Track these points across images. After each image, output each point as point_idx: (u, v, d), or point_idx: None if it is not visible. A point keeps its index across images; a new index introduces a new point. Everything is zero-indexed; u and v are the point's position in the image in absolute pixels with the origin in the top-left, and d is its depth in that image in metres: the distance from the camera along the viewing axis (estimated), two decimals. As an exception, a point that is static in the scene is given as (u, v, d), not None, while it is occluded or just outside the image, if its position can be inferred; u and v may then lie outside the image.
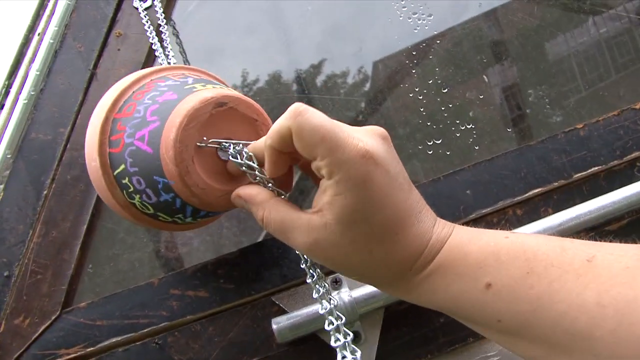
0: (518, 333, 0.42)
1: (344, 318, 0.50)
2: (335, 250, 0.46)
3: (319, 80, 0.86)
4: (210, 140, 0.54)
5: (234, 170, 0.55)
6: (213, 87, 0.58)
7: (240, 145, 0.54)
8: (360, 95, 0.85)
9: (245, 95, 0.65)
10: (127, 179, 0.57)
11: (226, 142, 0.55)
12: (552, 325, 0.39)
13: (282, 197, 0.51)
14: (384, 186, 0.44)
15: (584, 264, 0.40)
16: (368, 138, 0.45)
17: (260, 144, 0.51)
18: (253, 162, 0.52)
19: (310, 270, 0.52)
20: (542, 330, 0.40)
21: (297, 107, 0.45)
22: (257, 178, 0.52)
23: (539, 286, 0.40)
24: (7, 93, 0.84)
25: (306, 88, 0.85)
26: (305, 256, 0.51)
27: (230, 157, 0.54)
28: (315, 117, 0.44)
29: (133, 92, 0.59)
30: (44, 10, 0.88)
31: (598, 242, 0.43)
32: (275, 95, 0.84)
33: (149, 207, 0.59)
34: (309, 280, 0.52)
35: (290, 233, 0.47)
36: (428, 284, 0.46)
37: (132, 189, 0.57)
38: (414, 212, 0.46)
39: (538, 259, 0.42)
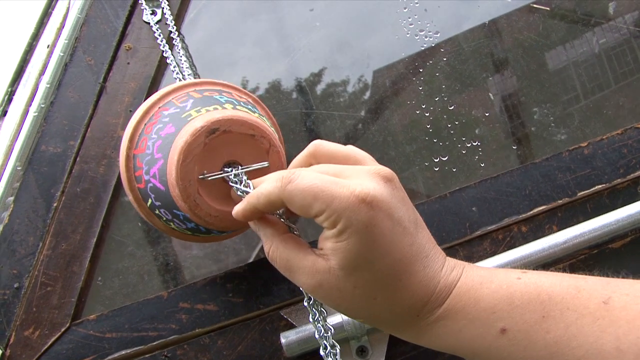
0: None
1: None
2: (338, 294, 0.45)
3: (326, 96, 0.87)
4: (209, 175, 0.55)
5: (235, 196, 0.55)
6: (207, 110, 0.57)
7: (240, 171, 0.55)
8: (366, 111, 0.86)
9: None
10: (157, 210, 0.59)
11: (227, 171, 0.55)
12: None
13: (294, 232, 0.51)
14: (388, 231, 0.44)
15: (600, 307, 0.40)
16: (369, 181, 0.44)
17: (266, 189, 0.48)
18: (251, 189, 0.52)
19: (313, 309, 0.52)
20: None
21: (286, 175, 0.45)
22: None
23: (556, 331, 0.40)
24: (10, 100, 0.85)
25: (313, 104, 0.86)
26: (308, 294, 0.51)
27: (231, 183, 0.55)
28: (304, 179, 0.44)
29: (145, 124, 0.60)
30: (49, 18, 0.89)
31: (612, 280, 0.42)
32: (284, 110, 0.85)
33: (185, 230, 0.61)
34: (311, 320, 0.52)
35: (295, 273, 0.47)
36: (438, 329, 0.45)
37: (165, 218, 0.60)
38: (419, 257, 0.45)
39: (553, 302, 0.41)
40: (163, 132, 0.57)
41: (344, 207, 0.42)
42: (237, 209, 0.50)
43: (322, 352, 0.50)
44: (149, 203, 0.59)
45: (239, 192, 0.53)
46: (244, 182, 0.53)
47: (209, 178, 0.55)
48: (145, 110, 0.61)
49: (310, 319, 0.51)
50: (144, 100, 0.66)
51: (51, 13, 0.89)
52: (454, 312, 0.45)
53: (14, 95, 0.85)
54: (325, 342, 0.50)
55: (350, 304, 0.46)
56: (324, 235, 0.45)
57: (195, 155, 0.53)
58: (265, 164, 0.57)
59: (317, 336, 0.51)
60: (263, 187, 0.47)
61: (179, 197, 0.54)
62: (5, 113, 0.84)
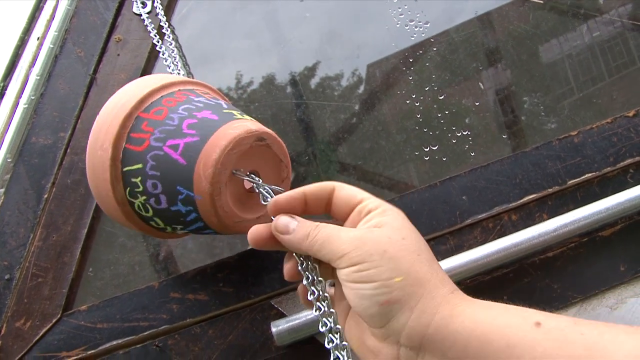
0: None
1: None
2: (387, 240, 0.46)
3: (317, 86, 0.87)
4: (246, 174, 0.57)
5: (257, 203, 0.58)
6: (250, 118, 0.60)
7: (267, 186, 0.56)
8: (356, 101, 0.86)
9: (246, 106, 0.67)
10: (139, 178, 0.58)
11: (258, 181, 0.56)
12: None
13: None
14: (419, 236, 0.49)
15: (631, 328, 0.39)
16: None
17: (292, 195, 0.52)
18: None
19: (307, 273, 0.52)
20: None
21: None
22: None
23: (590, 334, 0.39)
24: (2, 95, 0.85)
25: (304, 94, 0.86)
26: (301, 258, 0.52)
27: (257, 189, 0.56)
28: None
29: (162, 96, 0.61)
30: (40, 12, 0.89)
31: None
32: (275, 101, 0.85)
33: (151, 210, 0.60)
34: (304, 282, 0.51)
35: (339, 232, 0.48)
36: (472, 313, 0.44)
37: (140, 189, 0.59)
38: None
39: (581, 322, 0.41)
40: (199, 114, 0.58)
41: (386, 204, 0.50)
42: (279, 197, 0.52)
43: (315, 313, 0.50)
44: (132, 167, 0.58)
45: (265, 199, 0.55)
46: (268, 193, 0.56)
47: (241, 177, 0.57)
48: (165, 84, 0.62)
49: (304, 282, 0.51)
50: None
51: (43, 7, 0.89)
52: (487, 304, 0.45)
53: (6, 89, 0.85)
54: (319, 304, 0.50)
55: (397, 253, 0.46)
56: (366, 219, 0.49)
57: (240, 150, 0.56)
58: (282, 190, 0.59)
59: (310, 298, 0.51)
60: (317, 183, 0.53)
61: (207, 178, 0.54)
62: (-3, 106, 0.84)
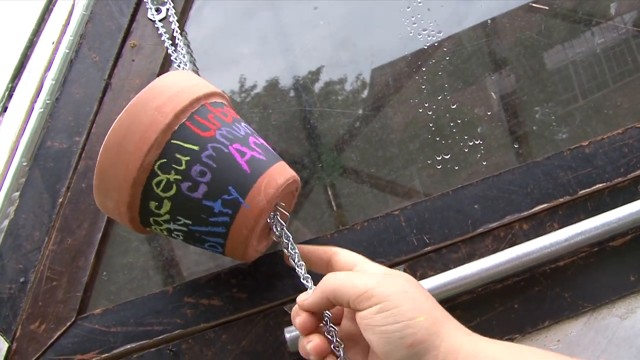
0: None
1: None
2: (405, 283, 0.51)
3: (328, 93, 0.87)
4: (281, 207, 0.62)
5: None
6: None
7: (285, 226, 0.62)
8: (369, 110, 0.86)
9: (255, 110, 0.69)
10: (188, 158, 0.57)
11: (285, 224, 0.62)
12: None
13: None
14: None
15: None
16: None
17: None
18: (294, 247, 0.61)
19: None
20: None
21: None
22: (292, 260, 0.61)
23: None
24: (10, 96, 0.85)
25: (317, 101, 0.86)
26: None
27: (275, 228, 0.62)
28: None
29: (223, 104, 0.64)
30: (50, 14, 0.89)
31: None
32: (288, 108, 0.86)
33: (173, 191, 0.57)
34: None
35: (356, 274, 0.54)
36: (494, 351, 0.48)
37: (181, 167, 0.57)
38: None
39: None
40: (260, 140, 0.63)
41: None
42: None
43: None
44: (184, 144, 0.57)
45: (287, 239, 0.62)
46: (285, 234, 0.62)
47: (280, 210, 0.63)
48: (223, 94, 0.66)
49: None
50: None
51: (52, 9, 0.89)
52: (507, 344, 0.50)
53: (14, 91, 0.85)
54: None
55: (415, 294, 0.50)
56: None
57: (289, 188, 0.63)
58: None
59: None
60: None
61: (266, 196, 0.58)
62: (5, 109, 0.85)
